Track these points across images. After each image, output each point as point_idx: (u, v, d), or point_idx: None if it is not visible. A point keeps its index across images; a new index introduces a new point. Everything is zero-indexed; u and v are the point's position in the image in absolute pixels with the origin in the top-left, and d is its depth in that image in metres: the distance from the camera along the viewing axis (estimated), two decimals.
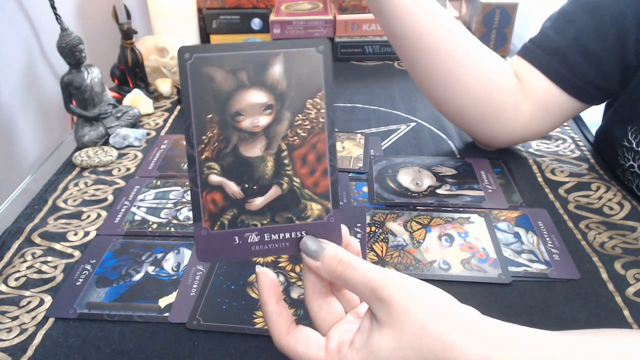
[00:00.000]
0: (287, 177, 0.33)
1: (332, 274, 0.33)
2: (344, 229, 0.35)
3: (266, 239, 0.33)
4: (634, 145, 0.54)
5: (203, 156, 0.32)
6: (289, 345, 0.33)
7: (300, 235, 0.33)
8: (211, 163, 0.32)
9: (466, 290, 0.44)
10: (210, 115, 0.31)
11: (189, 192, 0.57)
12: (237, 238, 0.33)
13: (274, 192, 0.33)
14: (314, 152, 0.33)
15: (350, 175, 0.60)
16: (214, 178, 0.32)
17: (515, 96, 0.58)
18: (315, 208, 0.33)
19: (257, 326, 0.41)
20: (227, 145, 0.32)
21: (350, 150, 0.64)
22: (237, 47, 0.31)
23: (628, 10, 0.51)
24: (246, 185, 0.33)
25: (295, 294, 0.44)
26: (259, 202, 0.33)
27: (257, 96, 0.32)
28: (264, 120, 0.32)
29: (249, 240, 0.33)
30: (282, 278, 0.45)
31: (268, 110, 0.32)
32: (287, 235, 0.33)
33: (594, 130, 0.68)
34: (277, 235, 0.33)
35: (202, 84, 0.31)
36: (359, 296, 0.33)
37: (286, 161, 0.33)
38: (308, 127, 0.33)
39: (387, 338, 0.30)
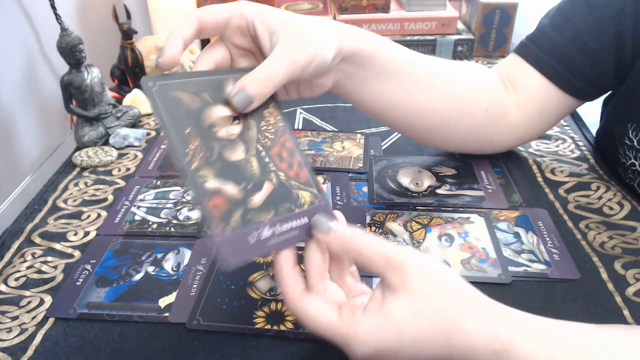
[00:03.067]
0: (273, 173, 0.36)
1: (344, 246, 0.34)
2: (341, 216, 0.37)
3: (277, 232, 0.34)
4: (635, 143, 0.54)
5: (192, 167, 0.33)
6: (302, 307, 0.33)
7: (304, 221, 0.35)
8: (202, 172, 0.33)
9: None
10: (187, 130, 0.34)
11: (188, 192, 0.57)
12: (250, 238, 0.33)
13: (267, 187, 0.35)
14: (285, 149, 0.37)
15: (350, 175, 0.60)
16: (210, 185, 0.33)
17: (506, 117, 0.56)
18: (306, 195, 0.36)
19: (257, 326, 0.41)
20: (212, 153, 0.34)
21: (350, 150, 0.64)
22: (192, 74, 0.36)
23: (626, 8, 0.51)
24: (242, 186, 0.34)
25: None
26: (258, 198, 0.34)
27: (223, 110, 0.36)
28: (236, 129, 0.36)
29: (262, 237, 0.34)
30: None
31: (236, 121, 0.36)
32: (294, 224, 0.35)
33: (593, 130, 0.68)
34: (285, 225, 0.35)
35: (172, 104, 0.34)
36: (371, 267, 0.33)
37: (267, 159, 0.36)
38: (272, 130, 0.37)
39: (402, 302, 0.32)
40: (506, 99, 0.57)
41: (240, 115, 0.36)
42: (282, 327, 0.41)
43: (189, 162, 0.33)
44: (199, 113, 0.35)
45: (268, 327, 0.41)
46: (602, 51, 0.53)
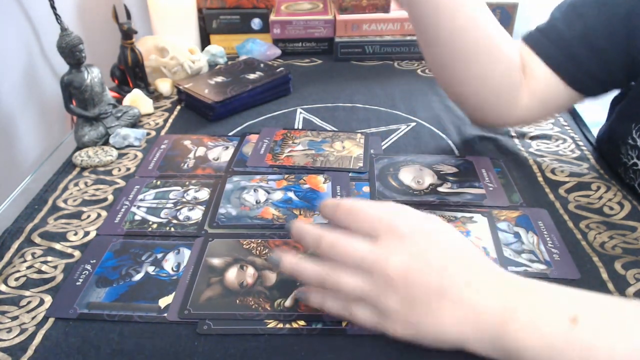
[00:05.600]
0: None
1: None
2: None
3: None
4: (638, 143, 0.54)
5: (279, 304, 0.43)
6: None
7: None
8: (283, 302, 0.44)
9: None
10: (238, 300, 0.43)
11: (188, 192, 0.57)
12: None
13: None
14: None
15: (350, 175, 0.60)
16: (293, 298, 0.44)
17: (518, 92, 0.58)
18: None
19: (258, 326, 0.41)
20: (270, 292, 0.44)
21: (351, 150, 0.64)
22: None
23: (637, 9, 0.51)
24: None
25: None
26: None
27: (232, 272, 0.46)
28: (249, 277, 0.45)
29: None
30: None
31: (243, 269, 0.46)
32: None
33: (594, 130, 0.68)
34: None
35: (213, 304, 0.43)
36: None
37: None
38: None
39: None
40: (522, 74, 0.59)
41: (245, 263, 0.46)
42: (281, 325, 0.41)
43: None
44: (229, 290, 0.44)
45: (271, 325, 0.41)
46: (611, 50, 0.53)
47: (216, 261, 0.47)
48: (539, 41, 0.58)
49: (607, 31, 0.53)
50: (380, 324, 0.37)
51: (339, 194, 0.56)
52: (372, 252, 0.36)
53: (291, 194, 0.56)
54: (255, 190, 0.57)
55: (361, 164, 0.61)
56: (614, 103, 0.63)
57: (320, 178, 0.59)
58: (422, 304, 0.35)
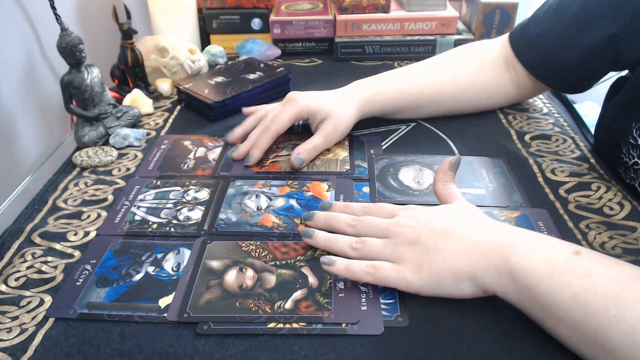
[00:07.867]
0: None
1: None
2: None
3: None
4: (639, 142, 0.53)
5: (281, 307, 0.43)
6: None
7: None
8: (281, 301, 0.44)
9: None
10: (238, 301, 0.43)
11: (188, 192, 0.57)
12: None
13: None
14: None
15: (344, 177, 0.59)
16: (295, 296, 0.44)
17: (508, 91, 0.71)
18: None
19: (258, 326, 0.41)
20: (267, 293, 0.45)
21: (337, 152, 0.63)
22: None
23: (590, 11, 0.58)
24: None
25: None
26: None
27: (231, 275, 0.46)
28: (249, 280, 0.45)
29: None
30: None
31: (243, 270, 0.46)
32: None
33: (594, 130, 0.68)
34: None
35: (214, 307, 0.43)
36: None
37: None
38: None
39: None
40: (506, 81, 0.70)
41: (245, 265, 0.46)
42: (281, 325, 0.41)
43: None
44: (228, 292, 0.44)
45: (270, 326, 0.41)
46: (590, 51, 0.60)
47: (215, 264, 0.47)
48: (516, 41, 0.67)
49: (563, 33, 0.61)
50: (400, 274, 0.42)
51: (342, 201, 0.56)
52: (389, 222, 0.45)
53: (293, 202, 0.55)
54: (257, 195, 0.56)
55: (348, 167, 0.61)
56: (609, 96, 0.63)
57: (324, 185, 0.58)
58: (431, 247, 0.42)
